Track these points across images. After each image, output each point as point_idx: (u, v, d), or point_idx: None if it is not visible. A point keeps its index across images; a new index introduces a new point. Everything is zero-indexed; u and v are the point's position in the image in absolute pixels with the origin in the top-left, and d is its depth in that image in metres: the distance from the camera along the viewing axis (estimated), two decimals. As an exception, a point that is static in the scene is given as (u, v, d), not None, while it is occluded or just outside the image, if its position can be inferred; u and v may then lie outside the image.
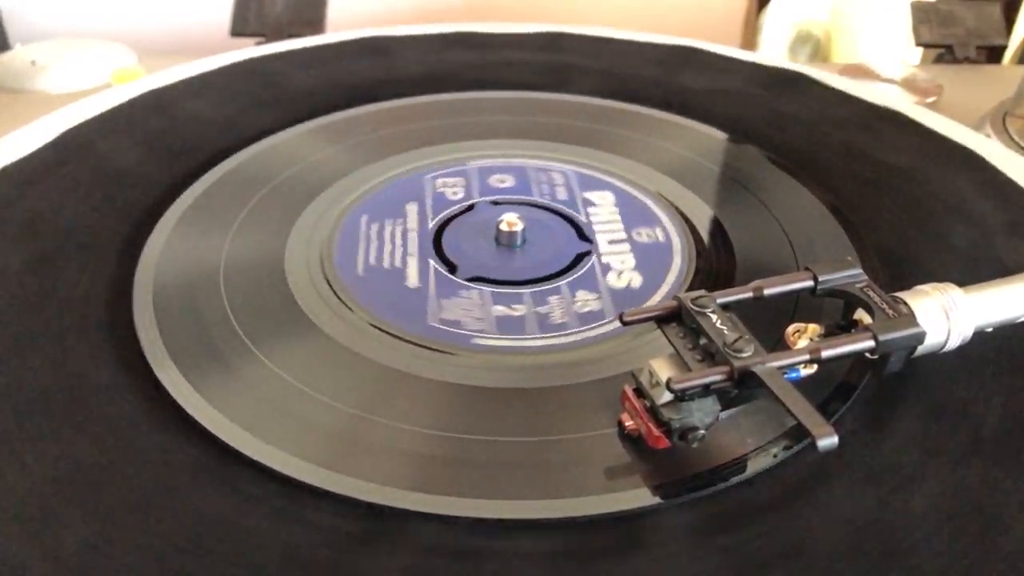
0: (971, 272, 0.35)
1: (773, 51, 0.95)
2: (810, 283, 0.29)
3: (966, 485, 0.27)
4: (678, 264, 0.37)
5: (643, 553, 0.25)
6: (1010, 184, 0.42)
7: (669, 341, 0.27)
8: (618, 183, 0.43)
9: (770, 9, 0.95)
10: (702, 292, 0.28)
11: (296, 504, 0.26)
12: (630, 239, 0.39)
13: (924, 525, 0.25)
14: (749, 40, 0.96)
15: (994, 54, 0.70)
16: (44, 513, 0.25)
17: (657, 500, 0.26)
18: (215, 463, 0.27)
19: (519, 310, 0.34)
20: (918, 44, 0.70)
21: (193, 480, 0.26)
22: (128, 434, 0.28)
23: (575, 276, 0.37)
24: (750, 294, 0.29)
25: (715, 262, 0.38)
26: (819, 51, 0.97)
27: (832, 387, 0.30)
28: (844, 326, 0.29)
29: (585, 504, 0.26)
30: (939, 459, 0.27)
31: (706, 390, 0.26)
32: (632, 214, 0.41)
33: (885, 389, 0.30)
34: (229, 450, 0.27)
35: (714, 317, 0.27)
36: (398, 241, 0.39)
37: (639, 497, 0.26)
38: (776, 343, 0.29)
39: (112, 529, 0.25)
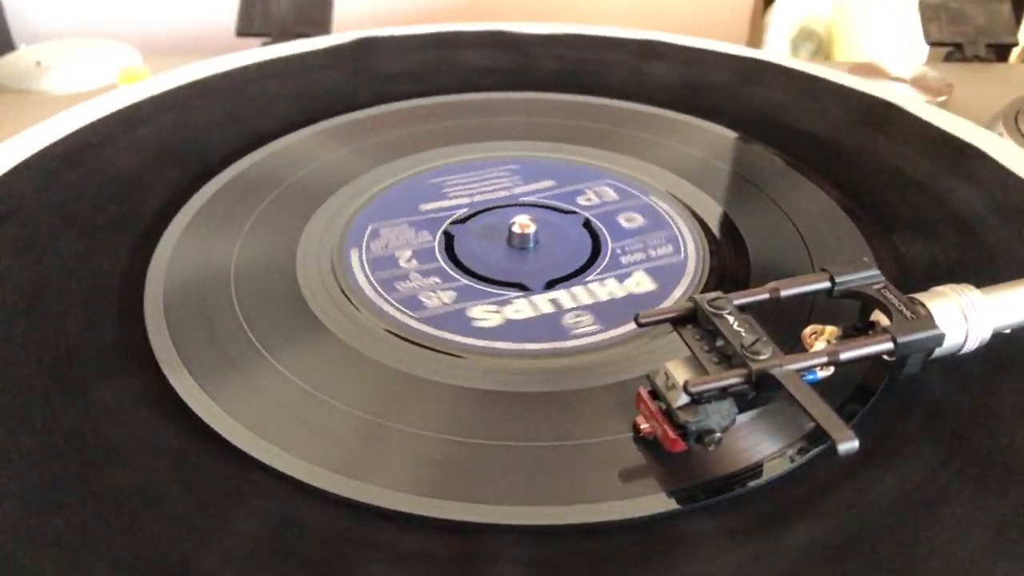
0: (987, 272, 0.35)
1: (779, 49, 0.95)
2: (827, 284, 0.29)
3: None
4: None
5: (659, 559, 0.25)
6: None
7: (685, 343, 0.27)
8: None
9: (776, 6, 0.95)
10: (718, 293, 0.28)
11: (306, 508, 0.26)
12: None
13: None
14: (755, 38, 0.95)
15: (1003, 52, 0.70)
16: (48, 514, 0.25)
17: (674, 505, 0.26)
18: (226, 467, 0.27)
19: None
20: (927, 42, 0.69)
21: (203, 485, 0.26)
22: (140, 439, 0.28)
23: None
24: (766, 295, 0.28)
25: (729, 263, 0.37)
26: (821, 48, 0.97)
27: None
28: (861, 328, 0.29)
29: (600, 510, 0.26)
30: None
31: (723, 393, 0.25)
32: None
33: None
34: (241, 454, 0.27)
35: (731, 319, 0.27)
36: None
37: (656, 502, 0.26)
38: (791, 346, 0.29)
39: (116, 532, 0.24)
